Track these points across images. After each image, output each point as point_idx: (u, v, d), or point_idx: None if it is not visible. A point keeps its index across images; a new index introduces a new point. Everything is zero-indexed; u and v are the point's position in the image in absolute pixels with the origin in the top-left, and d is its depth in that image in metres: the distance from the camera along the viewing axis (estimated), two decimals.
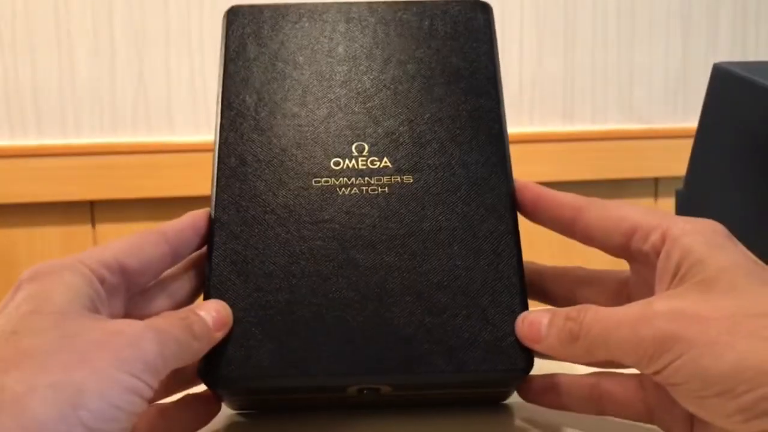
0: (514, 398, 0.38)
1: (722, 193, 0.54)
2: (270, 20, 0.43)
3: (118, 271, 0.35)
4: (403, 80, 0.42)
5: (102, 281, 0.34)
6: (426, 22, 0.43)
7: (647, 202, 1.28)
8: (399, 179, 0.39)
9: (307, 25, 0.43)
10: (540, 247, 1.24)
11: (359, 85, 0.42)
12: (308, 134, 0.40)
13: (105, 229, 1.12)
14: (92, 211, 1.12)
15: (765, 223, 0.49)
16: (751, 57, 1.31)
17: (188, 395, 0.38)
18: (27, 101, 1.10)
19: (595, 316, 0.33)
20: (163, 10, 1.12)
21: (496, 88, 0.42)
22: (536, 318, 0.35)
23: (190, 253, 0.39)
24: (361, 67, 0.42)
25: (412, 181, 0.39)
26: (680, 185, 0.60)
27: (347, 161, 0.40)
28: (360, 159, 0.40)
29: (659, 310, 0.31)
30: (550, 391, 0.37)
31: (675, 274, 0.33)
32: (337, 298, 0.36)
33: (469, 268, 0.37)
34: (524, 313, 0.36)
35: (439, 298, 0.36)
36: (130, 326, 0.31)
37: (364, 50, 0.43)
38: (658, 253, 0.34)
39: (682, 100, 1.29)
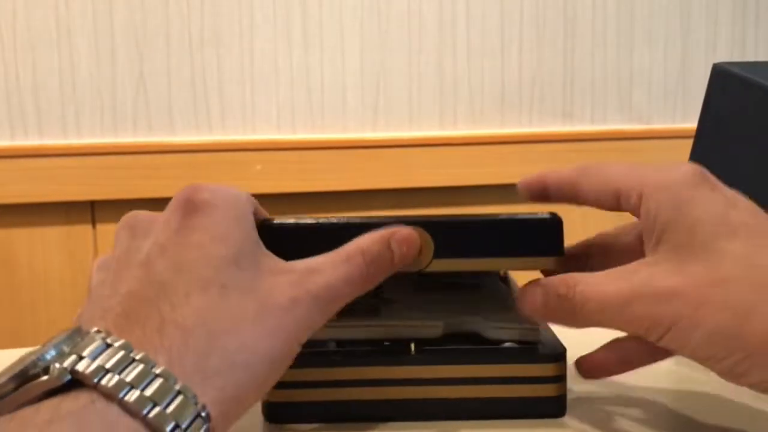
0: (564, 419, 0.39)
1: None
2: None
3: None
4: None
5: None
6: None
7: None
8: None
9: None
10: None
11: None
12: None
13: (105, 229, 1.12)
14: (92, 211, 1.12)
15: None
16: (751, 57, 1.31)
17: None
18: (27, 101, 1.10)
19: (583, 294, 0.34)
20: (163, 10, 1.12)
21: None
22: (531, 294, 0.36)
23: None
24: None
25: None
26: None
27: None
28: None
29: (639, 292, 0.33)
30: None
31: (651, 235, 0.34)
32: None
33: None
34: (520, 287, 0.37)
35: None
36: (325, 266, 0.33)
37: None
38: (639, 214, 0.36)
39: (682, 100, 1.29)
